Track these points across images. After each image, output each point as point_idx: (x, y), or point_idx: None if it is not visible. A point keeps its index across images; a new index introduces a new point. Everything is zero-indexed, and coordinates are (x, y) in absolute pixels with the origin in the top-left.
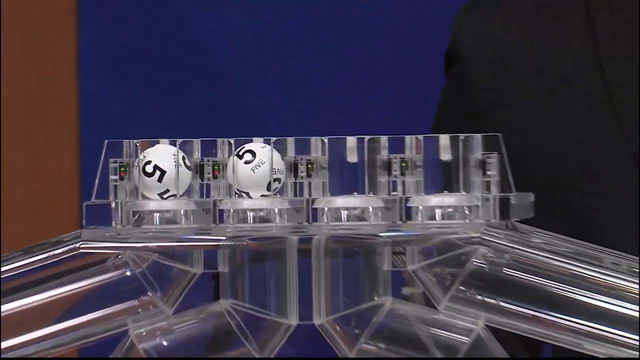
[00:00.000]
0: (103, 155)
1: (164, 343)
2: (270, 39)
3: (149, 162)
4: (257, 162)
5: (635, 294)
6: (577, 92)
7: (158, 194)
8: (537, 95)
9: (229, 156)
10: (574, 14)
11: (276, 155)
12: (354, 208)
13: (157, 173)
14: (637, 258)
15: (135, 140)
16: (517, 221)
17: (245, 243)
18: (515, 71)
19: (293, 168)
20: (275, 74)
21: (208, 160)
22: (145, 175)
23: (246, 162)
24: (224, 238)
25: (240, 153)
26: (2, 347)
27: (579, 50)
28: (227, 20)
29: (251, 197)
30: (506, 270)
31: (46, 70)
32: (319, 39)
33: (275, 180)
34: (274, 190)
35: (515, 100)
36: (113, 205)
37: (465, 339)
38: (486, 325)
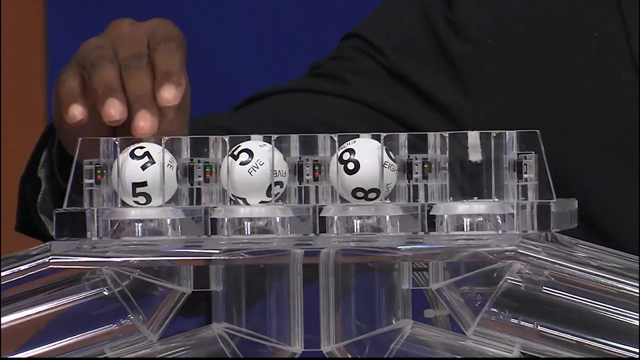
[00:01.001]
0: (76, 156)
1: None
2: (267, 32)
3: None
4: (255, 163)
5: None
6: (602, 48)
7: (136, 183)
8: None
9: (223, 156)
10: None
11: (278, 155)
12: (368, 217)
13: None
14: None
15: (114, 138)
16: (558, 232)
17: (241, 257)
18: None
19: (297, 170)
20: (273, 69)
21: (199, 161)
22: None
23: (242, 163)
24: (217, 252)
25: (236, 153)
26: None
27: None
28: (215, 11)
29: (249, 204)
30: (546, 289)
31: (11, 62)
32: (318, 36)
33: (276, 184)
34: (275, 195)
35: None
36: (88, 213)
37: None
38: (522, 353)
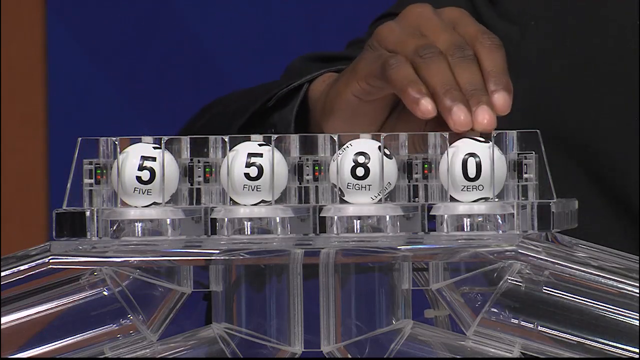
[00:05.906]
0: (76, 155)
1: None
2: (264, 30)
3: None
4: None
5: None
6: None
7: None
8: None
9: (223, 156)
10: None
11: (278, 155)
12: (369, 217)
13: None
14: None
15: (114, 138)
16: (558, 232)
17: (241, 257)
18: None
19: (297, 170)
20: (270, 67)
21: (199, 161)
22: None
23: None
24: (217, 252)
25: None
26: None
27: None
28: (215, 11)
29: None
30: (546, 289)
31: (11, 62)
32: (320, 35)
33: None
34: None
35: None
36: (88, 213)
37: None
38: (522, 353)
